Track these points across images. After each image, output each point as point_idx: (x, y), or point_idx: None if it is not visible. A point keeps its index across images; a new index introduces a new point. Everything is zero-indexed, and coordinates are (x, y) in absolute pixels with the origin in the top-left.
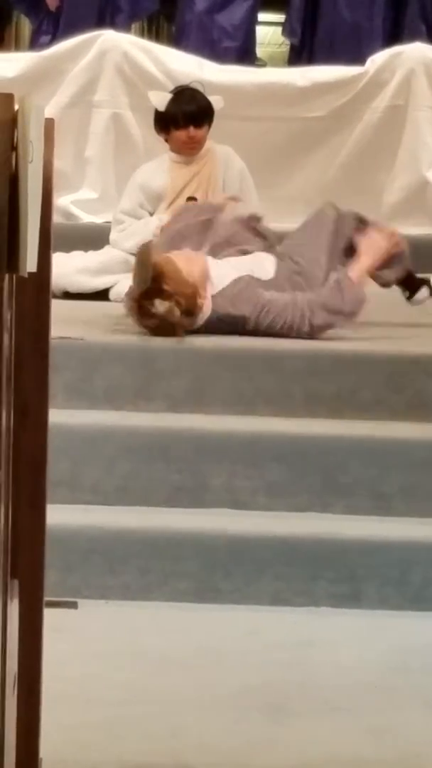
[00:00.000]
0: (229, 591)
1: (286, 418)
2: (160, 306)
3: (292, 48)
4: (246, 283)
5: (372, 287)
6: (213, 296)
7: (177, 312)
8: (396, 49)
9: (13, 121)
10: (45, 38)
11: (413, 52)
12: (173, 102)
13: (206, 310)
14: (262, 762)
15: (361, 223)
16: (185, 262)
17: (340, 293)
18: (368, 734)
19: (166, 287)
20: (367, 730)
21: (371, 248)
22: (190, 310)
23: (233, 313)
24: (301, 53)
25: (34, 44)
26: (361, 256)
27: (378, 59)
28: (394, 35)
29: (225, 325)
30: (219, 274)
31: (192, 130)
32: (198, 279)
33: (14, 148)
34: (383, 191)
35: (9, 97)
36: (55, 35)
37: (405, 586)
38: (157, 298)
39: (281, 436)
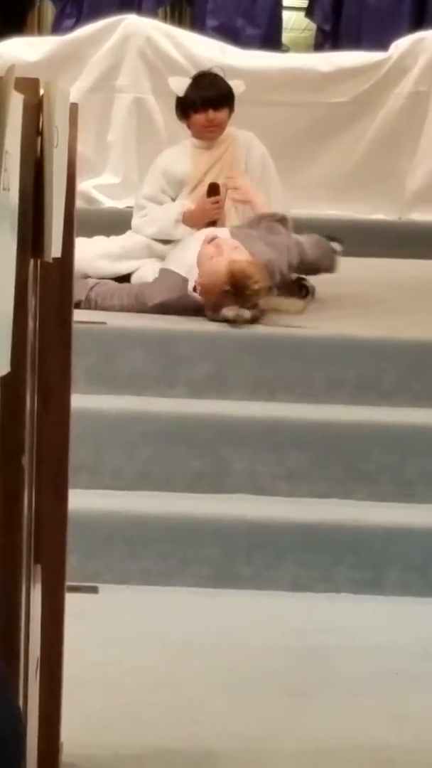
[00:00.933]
0: (249, 577)
1: (308, 404)
2: (229, 312)
3: (318, 33)
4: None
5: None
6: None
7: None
8: (419, 34)
9: (38, 105)
10: (68, 22)
11: None
12: (192, 87)
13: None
14: (282, 748)
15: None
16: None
17: None
18: (389, 720)
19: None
20: (388, 716)
21: None
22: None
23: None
24: (326, 38)
25: (57, 28)
26: None
27: (401, 45)
28: (419, 21)
29: None
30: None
31: (211, 113)
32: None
33: (39, 132)
34: (406, 177)
35: (34, 82)
36: (79, 19)
37: (427, 572)
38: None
39: (303, 422)
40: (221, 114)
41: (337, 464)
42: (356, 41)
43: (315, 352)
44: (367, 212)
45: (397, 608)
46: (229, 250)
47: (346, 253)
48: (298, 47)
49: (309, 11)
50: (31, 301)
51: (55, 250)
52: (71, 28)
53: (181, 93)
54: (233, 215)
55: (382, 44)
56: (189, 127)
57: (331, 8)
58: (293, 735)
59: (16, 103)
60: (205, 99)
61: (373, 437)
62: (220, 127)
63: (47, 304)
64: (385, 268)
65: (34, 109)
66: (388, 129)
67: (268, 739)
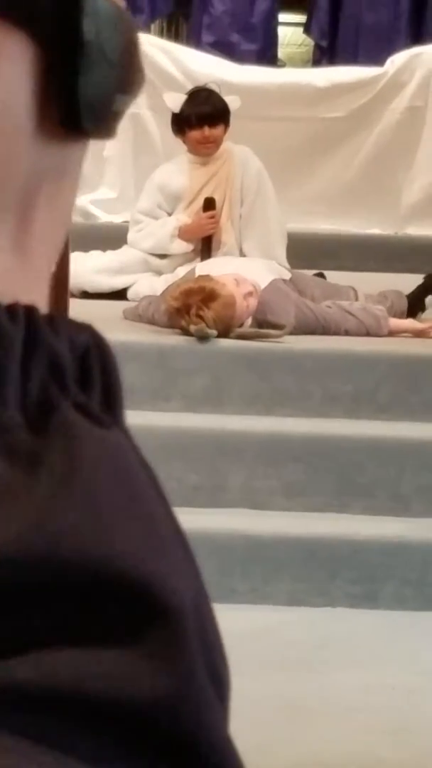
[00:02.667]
0: (245, 591)
1: (304, 419)
2: (193, 325)
3: (315, 48)
4: (280, 290)
5: None
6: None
7: (212, 332)
8: (415, 49)
9: None
10: None
11: None
12: (187, 103)
13: (251, 311)
14: (278, 762)
15: None
16: (234, 285)
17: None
18: (385, 734)
19: (210, 313)
20: (384, 730)
21: None
22: (225, 330)
23: (272, 320)
24: (323, 54)
25: None
26: None
27: (397, 60)
28: (416, 36)
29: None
30: (256, 279)
31: (207, 129)
32: (241, 301)
33: None
34: (402, 192)
35: None
36: None
37: (423, 586)
38: (195, 316)
39: (299, 436)
40: (217, 130)
41: (333, 478)
42: (353, 56)
43: (311, 366)
44: (363, 227)
45: (394, 622)
46: (231, 280)
47: (343, 267)
48: (295, 62)
49: (306, 27)
50: None
51: None
52: None
53: (176, 109)
54: (229, 230)
55: (378, 59)
56: (185, 142)
57: (328, 24)
58: (289, 748)
59: None
60: (201, 115)
61: (369, 451)
62: (215, 143)
63: None
64: (381, 282)
65: None
66: (385, 144)
67: (264, 753)
